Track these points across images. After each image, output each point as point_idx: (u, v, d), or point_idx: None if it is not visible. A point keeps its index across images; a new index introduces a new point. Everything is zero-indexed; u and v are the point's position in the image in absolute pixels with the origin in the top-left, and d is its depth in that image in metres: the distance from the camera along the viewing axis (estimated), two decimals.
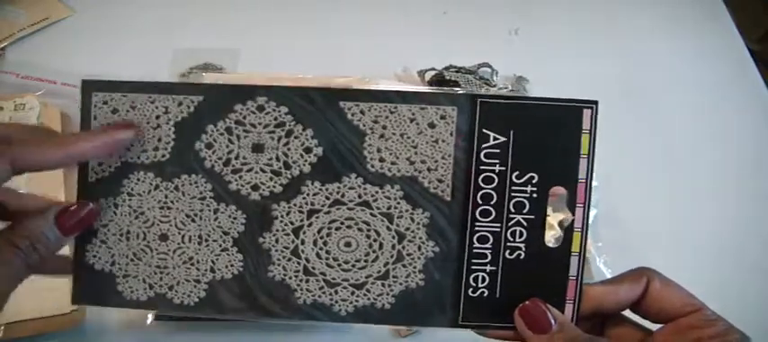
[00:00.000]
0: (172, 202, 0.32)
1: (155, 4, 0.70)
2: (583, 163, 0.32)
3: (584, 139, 0.31)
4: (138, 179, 0.32)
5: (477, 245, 0.32)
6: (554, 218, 0.50)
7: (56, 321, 0.43)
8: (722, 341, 0.29)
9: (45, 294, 0.41)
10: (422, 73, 0.62)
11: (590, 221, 0.53)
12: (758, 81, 0.69)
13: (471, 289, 0.32)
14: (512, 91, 0.60)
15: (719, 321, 0.30)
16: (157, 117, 0.32)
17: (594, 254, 0.51)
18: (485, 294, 0.32)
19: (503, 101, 0.31)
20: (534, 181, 0.32)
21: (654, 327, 0.32)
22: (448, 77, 0.61)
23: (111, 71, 0.61)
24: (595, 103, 0.31)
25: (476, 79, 0.61)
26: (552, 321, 0.30)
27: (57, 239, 0.30)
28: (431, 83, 0.62)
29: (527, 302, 0.31)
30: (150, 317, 0.44)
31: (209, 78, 0.60)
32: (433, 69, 0.62)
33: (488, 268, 0.32)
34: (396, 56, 0.64)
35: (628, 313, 0.33)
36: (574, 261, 0.32)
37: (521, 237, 0.32)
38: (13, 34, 0.64)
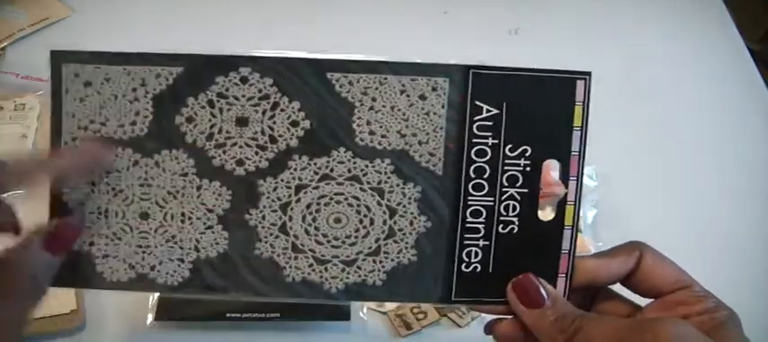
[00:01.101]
0: (152, 178, 0.31)
1: (155, 4, 0.70)
2: (576, 135, 0.31)
3: (578, 111, 0.31)
4: (116, 155, 0.31)
5: (469, 219, 0.31)
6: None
7: (56, 321, 0.43)
8: (710, 317, 0.29)
9: None
10: None
11: (590, 221, 0.54)
12: (758, 81, 0.69)
13: (464, 264, 0.32)
14: None
15: (708, 298, 0.30)
16: (134, 89, 0.30)
17: None
18: (477, 269, 0.32)
19: (495, 72, 0.30)
20: (527, 154, 0.31)
21: (643, 302, 0.32)
22: None
23: None
24: (588, 74, 0.31)
25: None
26: (545, 296, 0.30)
27: (52, 264, 0.29)
28: None
29: (520, 277, 0.31)
30: (150, 317, 0.44)
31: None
32: None
33: (481, 243, 0.32)
34: (396, 56, 0.63)
35: (617, 288, 0.33)
36: (567, 234, 0.32)
37: (514, 211, 0.32)
38: (13, 34, 0.64)
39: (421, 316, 0.46)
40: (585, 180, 0.56)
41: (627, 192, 0.57)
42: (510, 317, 0.32)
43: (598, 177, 0.56)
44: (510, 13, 0.73)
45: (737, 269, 0.53)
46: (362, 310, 0.46)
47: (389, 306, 0.46)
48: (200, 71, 0.30)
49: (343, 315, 0.45)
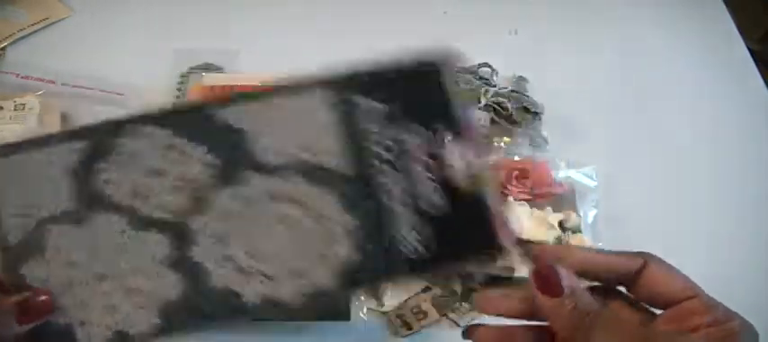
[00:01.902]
0: (96, 243, 0.32)
1: (155, 4, 0.70)
2: (456, 104, 0.33)
3: (449, 85, 0.33)
4: (58, 232, 0.32)
5: (395, 207, 0.33)
6: (554, 218, 0.50)
7: None
8: (722, 329, 0.28)
9: None
10: None
11: (590, 221, 0.54)
12: (758, 81, 0.69)
13: (405, 249, 0.33)
14: (512, 91, 0.60)
15: (719, 307, 0.30)
16: (48, 168, 0.32)
17: None
18: (418, 250, 0.33)
19: (368, 77, 0.33)
20: (423, 134, 0.33)
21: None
22: None
23: (111, 71, 0.61)
24: (444, 54, 0.33)
25: (475, 79, 0.61)
26: (564, 286, 0.30)
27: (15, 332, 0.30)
28: None
29: (541, 266, 0.31)
30: None
31: (209, 79, 0.60)
32: None
33: (413, 227, 0.33)
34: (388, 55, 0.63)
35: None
36: (488, 196, 0.33)
37: (433, 190, 0.33)
38: (13, 34, 0.64)
39: (421, 316, 0.46)
40: (585, 180, 0.56)
41: (627, 192, 0.57)
42: (487, 323, 0.32)
43: (598, 177, 0.56)
44: (510, 13, 0.73)
45: (737, 269, 0.53)
46: (363, 311, 0.46)
47: (389, 306, 0.47)
48: (104, 139, 0.33)
49: (343, 315, 0.45)
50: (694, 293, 0.30)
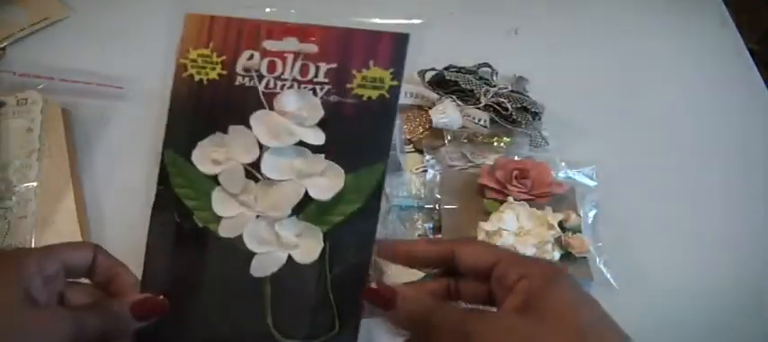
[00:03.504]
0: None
1: (155, 4, 0.70)
2: None
3: None
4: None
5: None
6: (554, 218, 0.50)
7: None
8: (528, 279, 0.30)
9: None
10: (422, 73, 0.62)
11: (590, 221, 0.53)
12: (758, 81, 0.69)
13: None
14: (512, 91, 0.60)
15: (522, 262, 0.32)
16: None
17: (594, 254, 0.51)
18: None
19: None
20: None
21: None
22: (448, 77, 0.61)
23: (111, 71, 0.61)
24: None
25: (476, 79, 0.61)
26: (393, 298, 0.32)
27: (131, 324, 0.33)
28: (431, 83, 0.62)
29: (366, 288, 0.33)
30: None
31: None
32: (433, 70, 0.62)
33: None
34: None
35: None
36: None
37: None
38: (12, 34, 0.64)
39: None
40: (585, 180, 0.56)
41: (627, 192, 0.57)
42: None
43: (598, 177, 0.56)
44: (510, 13, 0.73)
45: (737, 269, 0.53)
46: None
47: None
48: None
49: None
50: (496, 257, 0.32)
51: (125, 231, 0.49)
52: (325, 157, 0.34)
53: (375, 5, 0.45)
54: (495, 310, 0.32)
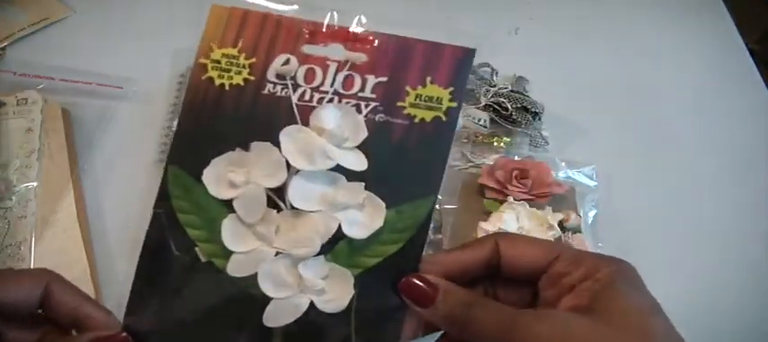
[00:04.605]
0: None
1: (155, 4, 0.70)
2: None
3: None
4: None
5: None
6: (554, 218, 0.50)
7: None
8: (595, 279, 0.28)
9: None
10: None
11: (590, 221, 0.53)
12: (758, 81, 0.69)
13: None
14: (512, 91, 0.60)
15: (585, 259, 0.29)
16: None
17: None
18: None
19: None
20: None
21: None
22: None
23: (111, 71, 0.61)
24: None
25: (476, 79, 0.61)
26: (434, 292, 0.29)
27: None
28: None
29: (404, 280, 0.29)
30: None
31: None
32: None
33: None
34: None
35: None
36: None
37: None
38: (12, 34, 0.64)
39: None
40: (585, 180, 0.56)
41: (627, 192, 0.57)
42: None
43: (598, 177, 0.56)
44: (510, 13, 0.73)
45: (737, 269, 0.53)
46: None
47: None
48: None
49: None
50: (556, 254, 0.29)
51: (125, 231, 0.50)
52: (366, 188, 0.29)
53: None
54: (546, 309, 0.29)
